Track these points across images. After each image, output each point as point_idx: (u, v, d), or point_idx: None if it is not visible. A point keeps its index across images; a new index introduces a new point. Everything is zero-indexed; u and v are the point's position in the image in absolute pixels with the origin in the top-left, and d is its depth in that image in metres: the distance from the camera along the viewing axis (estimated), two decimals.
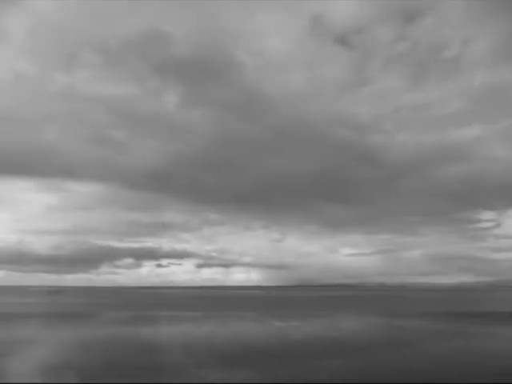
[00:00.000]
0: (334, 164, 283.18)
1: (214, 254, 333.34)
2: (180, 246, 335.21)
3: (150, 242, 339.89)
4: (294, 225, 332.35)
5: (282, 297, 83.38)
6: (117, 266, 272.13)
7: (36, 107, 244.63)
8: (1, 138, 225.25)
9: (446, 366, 11.55)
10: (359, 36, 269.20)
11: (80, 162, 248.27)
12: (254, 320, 26.43)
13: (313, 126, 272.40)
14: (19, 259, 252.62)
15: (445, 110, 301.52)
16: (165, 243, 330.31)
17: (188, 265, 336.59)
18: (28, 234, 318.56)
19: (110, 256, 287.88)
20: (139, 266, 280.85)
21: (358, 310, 39.52)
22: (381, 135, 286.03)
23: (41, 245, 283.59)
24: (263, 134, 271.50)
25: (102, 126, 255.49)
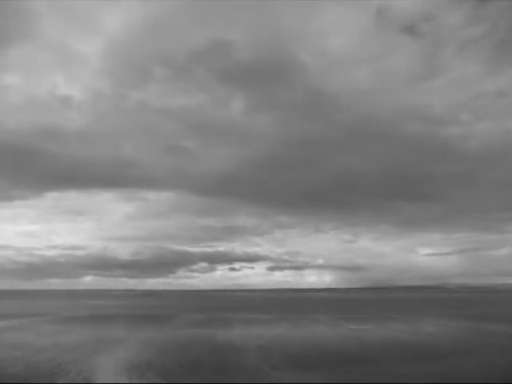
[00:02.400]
0: (407, 160, 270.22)
1: (286, 257, 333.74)
2: (252, 250, 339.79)
3: (222, 247, 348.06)
4: (366, 225, 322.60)
5: (356, 299, 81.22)
6: (192, 270, 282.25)
7: (113, 123, 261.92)
8: (83, 153, 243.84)
9: None
10: (428, 23, 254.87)
11: (154, 172, 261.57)
12: (327, 323, 25.99)
13: (382, 122, 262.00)
14: (104, 265, 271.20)
15: None
16: (237, 247, 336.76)
17: (260, 268, 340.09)
18: (111, 241, 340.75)
19: (185, 260, 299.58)
20: (213, 269, 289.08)
21: (439, 312, 37.36)
22: (458, 126, 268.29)
23: (122, 251, 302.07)
24: (331, 133, 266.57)
25: (174, 136, 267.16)
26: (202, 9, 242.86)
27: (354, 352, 14.22)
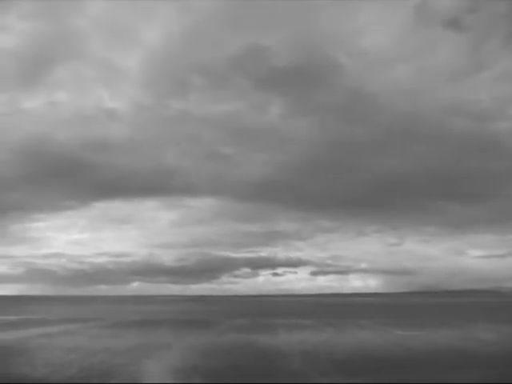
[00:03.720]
0: (453, 158, 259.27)
1: (329, 261, 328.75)
2: (294, 255, 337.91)
3: (264, 252, 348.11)
4: (411, 227, 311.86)
5: (403, 304, 78.84)
6: (235, 276, 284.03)
7: (154, 132, 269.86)
8: (127, 163, 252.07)
9: None
10: (472, 15, 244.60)
11: (195, 179, 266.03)
12: (373, 328, 25.45)
13: (425, 120, 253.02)
14: (149, 271, 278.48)
15: None
16: (279, 252, 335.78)
17: (303, 273, 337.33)
18: (155, 247, 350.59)
19: (228, 266, 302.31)
20: (256, 275, 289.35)
21: (492, 318, 35.63)
22: (506, 121, 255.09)
23: (166, 257, 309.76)
24: (372, 134, 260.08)
25: (213, 143, 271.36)
26: (237, 16, 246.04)
27: (400, 359, 13.86)
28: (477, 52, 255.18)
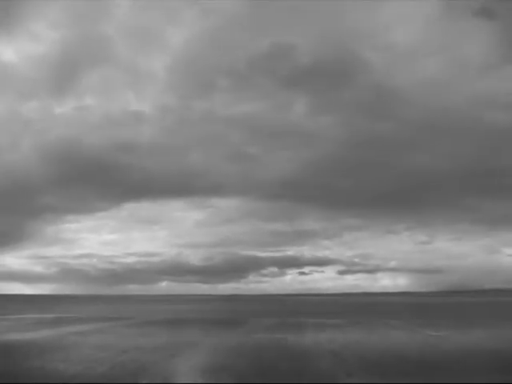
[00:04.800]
0: (486, 152, 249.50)
1: (357, 260, 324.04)
2: (321, 253, 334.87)
3: (291, 251, 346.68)
4: (442, 224, 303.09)
5: (434, 303, 77.02)
6: (262, 275, 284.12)
7: (181, 134, 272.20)
8: (154, 164, 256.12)
9: None
10: (504, 3, 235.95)
11: (221, 179, 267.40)
12: (403, 328, 24.96)
13: (455, 114, 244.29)
14: (177, 270, 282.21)
15: None
16: (306, 251, 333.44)
17: (330, 271, 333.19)
18: (183, 247, 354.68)
19: (255, 265, 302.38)
20: (283, 274, 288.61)
21: None
22: None
23: (194, 257, 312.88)
24: (399, 130, 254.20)
25: (239, 144, 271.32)
26: (259, 15, 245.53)
27: (432, 360, 13.54)
28: (510, 41, 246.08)
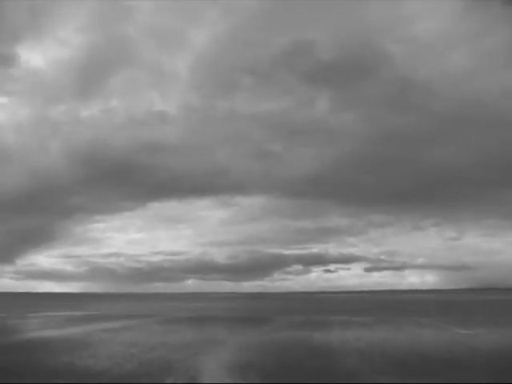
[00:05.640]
0: None
1: (383, 257, 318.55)
2: (347, 251, 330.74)
3: (316, 248, 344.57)
4: (471, 220, 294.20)
5: (464, 301, 75.19)
6: (287, 273, 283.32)
7: (204, 133, 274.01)
8: (179, 164, 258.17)
9: None
10: None
11: (245, 178, 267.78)
12: (431, 326, 24.47)
13: (482, 105, 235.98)
14: (203, 269, 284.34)
15: None
16: (331, 248, 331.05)
17: (356, 269, 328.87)
18: (208, 246, 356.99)
19: (280, 263, 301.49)
20: (308, 271, 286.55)
21: None
22: None
23: (219, 255, 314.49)
24: (424, 123, 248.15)
25: (262, 141, 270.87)
26: (279, 12, 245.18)
27: (462, 359, 13.24)
28: None
